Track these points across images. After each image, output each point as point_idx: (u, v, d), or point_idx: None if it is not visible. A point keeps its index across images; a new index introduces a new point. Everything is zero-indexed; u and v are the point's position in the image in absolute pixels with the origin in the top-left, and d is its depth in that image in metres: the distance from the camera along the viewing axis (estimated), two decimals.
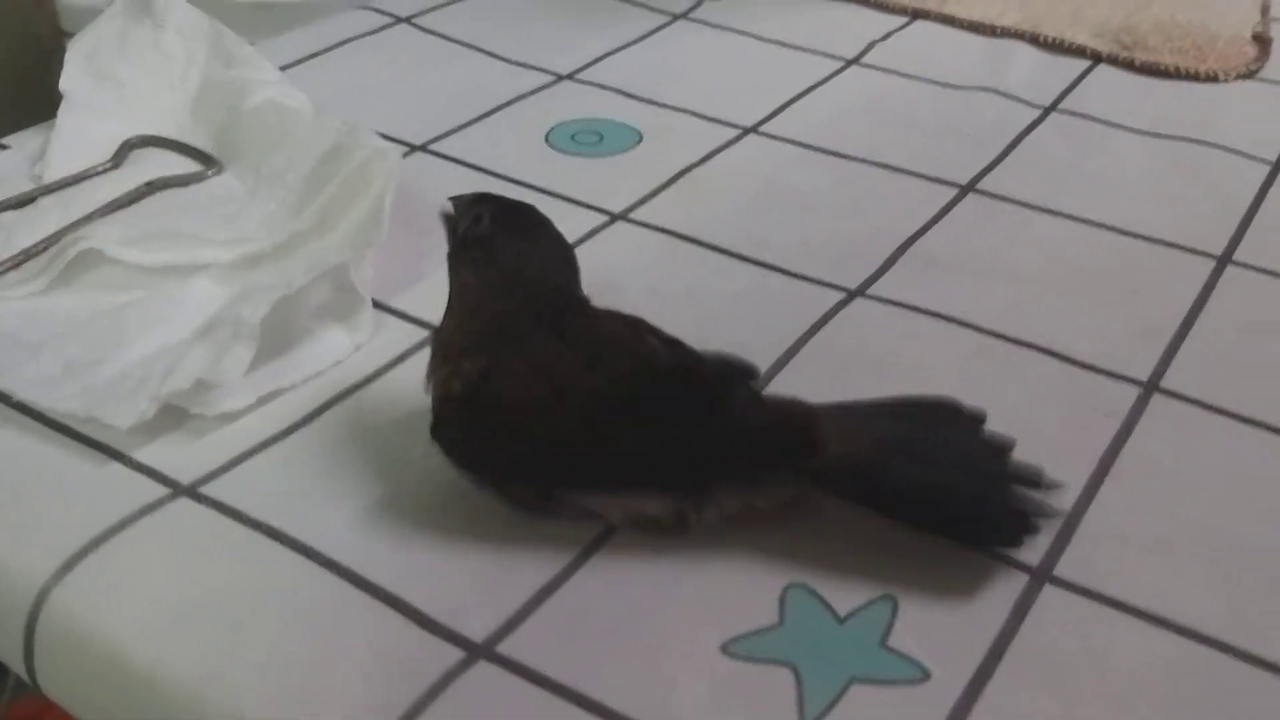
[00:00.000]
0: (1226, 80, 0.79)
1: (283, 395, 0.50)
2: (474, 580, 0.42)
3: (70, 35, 1.47)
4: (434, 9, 0.85)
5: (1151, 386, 0.52)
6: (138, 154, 0.65)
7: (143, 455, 0.47)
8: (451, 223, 0.47)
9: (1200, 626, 0.42)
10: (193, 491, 0.45)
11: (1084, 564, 0.44)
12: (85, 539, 0.43)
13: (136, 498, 0.45)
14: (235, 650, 0.40)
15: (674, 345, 0.45)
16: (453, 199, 0.48)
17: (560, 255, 0.47)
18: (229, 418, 0.49)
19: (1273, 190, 0.68)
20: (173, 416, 0.48)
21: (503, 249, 0.46)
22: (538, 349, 0.44)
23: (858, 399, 0.46)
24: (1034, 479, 0.44)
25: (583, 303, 0.46)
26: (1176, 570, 0.44)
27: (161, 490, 0.45)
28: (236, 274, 0.55)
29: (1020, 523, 0.43)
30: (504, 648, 0.40)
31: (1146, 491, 0.47)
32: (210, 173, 0.64)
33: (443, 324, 0.47)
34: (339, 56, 0.79)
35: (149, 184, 0.63)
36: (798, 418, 0.44)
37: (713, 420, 0.43)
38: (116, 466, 0.47)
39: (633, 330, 0.45)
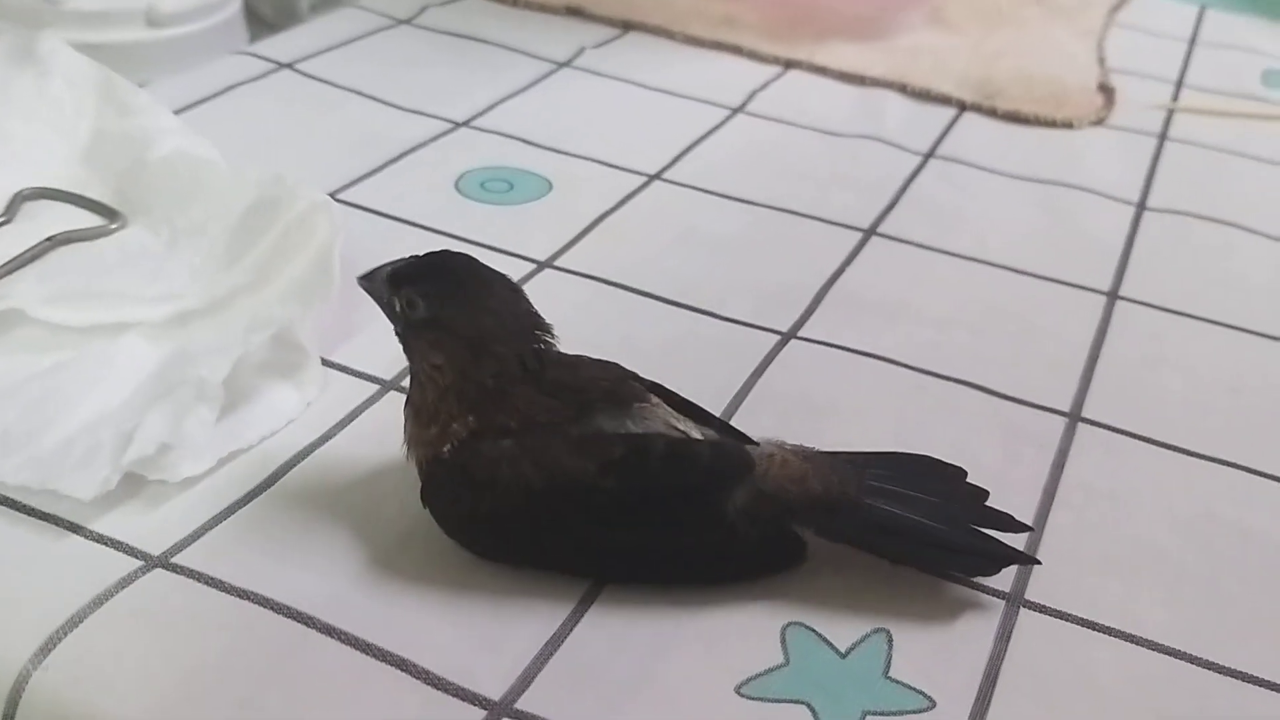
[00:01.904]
0: (1079, 127, 0.85)
1: (237, 458, 0.49)
2: (477, 637, 0.42)
3: None
4: (314, 55, 0.84)
5: (1075, 417, 0.56)
6: (31, 207, 0.62)
7: (102, 527, 0.45)
8: (382, 303, 0.46)
9: (1162, 639, 0.45)
10: (166, 562, 0.44)
11: (1050, 587, 0.46)
12: (62, 618, 0.41)
13: (107, 572, 0.43)
14: None
15: (659, 390, 0.46)
16: (363, 281, 0.46)
17: (510, 300, 0.46)
18: (188, 483, 0.47)
19: (1140, 229, 0.73)
20: (127, 484, 0.46)
21: (457, 324, 0.44)
22: (523, 401, 0.44)
23: (844, 449, 0.47)
24: (1006, 524, 0.46)
25: (554, 349, 0.46)
26: (1130, 588, 0.47)
27: (133, 563, 0.43)
28: (169, 332, 0.53)
29: (997, 556, 0.45)
30: (523, 704, 0.40)
31: (1089, 516, 0.50)
32: (114, 226, 0.61)
33: (415, 395, 0.46)
34: (222, 104, 0.77)
35: (50, 239, 0.59)
36: (789, 536, 0.45)
37: (703, 528, 0.44)
38: (77, 540, 0.44)
39: (617, 380, 0.46)
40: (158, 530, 0.45)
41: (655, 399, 0.46)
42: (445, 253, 0.47)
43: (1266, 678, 0.44)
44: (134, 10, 1.29)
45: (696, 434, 0.45)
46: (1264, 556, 0.49)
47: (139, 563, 0.43)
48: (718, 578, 0.45)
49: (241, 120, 0.75)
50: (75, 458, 0.46)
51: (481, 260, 0.47)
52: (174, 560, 0.44)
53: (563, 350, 0.47)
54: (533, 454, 0.43)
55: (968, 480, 0.47)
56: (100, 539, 0.44)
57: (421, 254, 0.47)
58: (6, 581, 0.42)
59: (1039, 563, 0.47)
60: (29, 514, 0.45)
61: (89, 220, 0.62)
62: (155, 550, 0.44)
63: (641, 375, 0.47)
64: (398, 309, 0.45)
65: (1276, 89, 0.96)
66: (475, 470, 0.44)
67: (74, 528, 0.45)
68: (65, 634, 0.40)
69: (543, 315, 0.46)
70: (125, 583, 0.42)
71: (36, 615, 0.41)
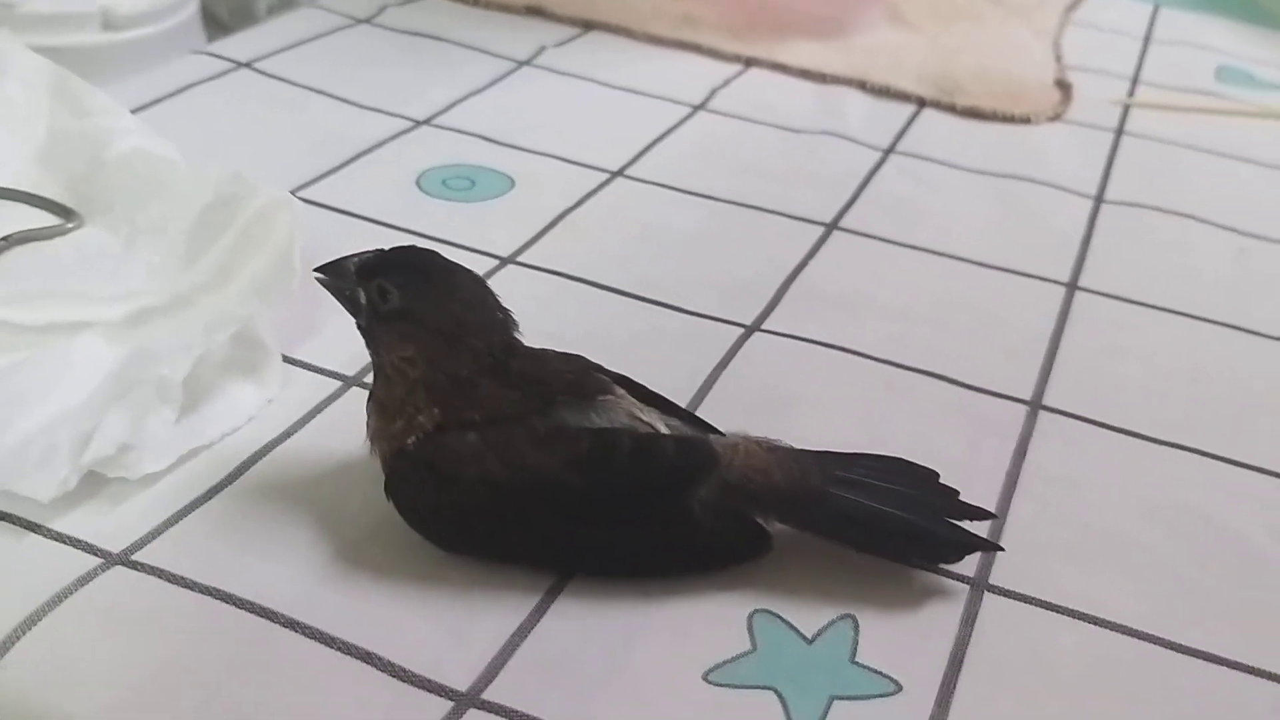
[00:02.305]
0: (1037, 122, 0.86)
1: (198, 455, 0.48)
2: (443, 629, 0.42)
3: None
4: (273, 54, 0.83)
5: (1036, 405, 0.56)
6: None
7: (62, 525, 0.44)
8: (343, 296, 0.45)
9: (1122, 620, 0.45)
10: (126, 560, 0.43)
11: (1013, 573, 0.47)
12: (19, 617, 0.40)
13: (66, 570, 0.42)
14: None
15: (624, 382, 0.46)
16: (321, 272, 0.46)
17: (479, 293, 0.46)
18: (148, 481, 0.46)
19: (1099, 222, 0.74)
20: (87, 482, 0.45)
21: (428, 315, 0.44)
22: (488, 395, 0.44)
23: (810, 440, 0.47)
24: (972, 513, 0.46)
25: (518, 341, 0.46)
26: (1091, 571, 0.47)
27: (91, 560, 0.43)
28: (127, 331, 0.53)
29: (960, 543, 0.45)
30: (490, 694, 0.40)
31: (1051, 502, 0.51)
32: (70, 225, 0.61)
33: (380, 389, 0.45)
34: (179, 103, 0.76)
35: (5, 238, 0.59)
36: (753, 528, 0.45)
37: (668, 522, 0.44)
38: (35, 539, 0.44)
39: (581, 372, 0.46)
40: (118, 528, 0.44)
41: (620, 390, 0.46)
42: (411, 247, 0.47)
43: (1227, 656, 0.44)
44: (90, 13, 1.27)
45: (661, 425, 0.45)
46: (1223, 540, 0.50)
47: (98, 560, 0.43)
48: (683, 570, 0.45)
49: (199, 119, 0.75)
50: (33, 458, 0.45)
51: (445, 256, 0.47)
52: (134, 557, 0.43)
53: (527, 344, 0.46)
54: (497, 449, 0.43)
55: (939, 482, 0.47)
56: (59, 537, 0.44)
57: (387, 248, 0.46)
58: None
59: (1001, 549, 0.47)
60: None
61: (45, 220, 0.61)
62: (115, 548, 0.43)
63: (607, 367, 0.47)
64: (363, 300, 0.45)
65: (1230, 84, 0.97)
66: (440, 464, 0.43)
67: (32, 527, 0.44)
68: (23, 632, 0.40)
69: (508, 309, 0.46)
70: (84, 580, 0.42)
71: None
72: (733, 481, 0.44)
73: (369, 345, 0.46)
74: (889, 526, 0.45)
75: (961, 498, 0.47)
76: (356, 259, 0.45)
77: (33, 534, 0.44)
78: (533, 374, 0.45)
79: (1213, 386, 0.60)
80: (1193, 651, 0.44)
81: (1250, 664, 0.44)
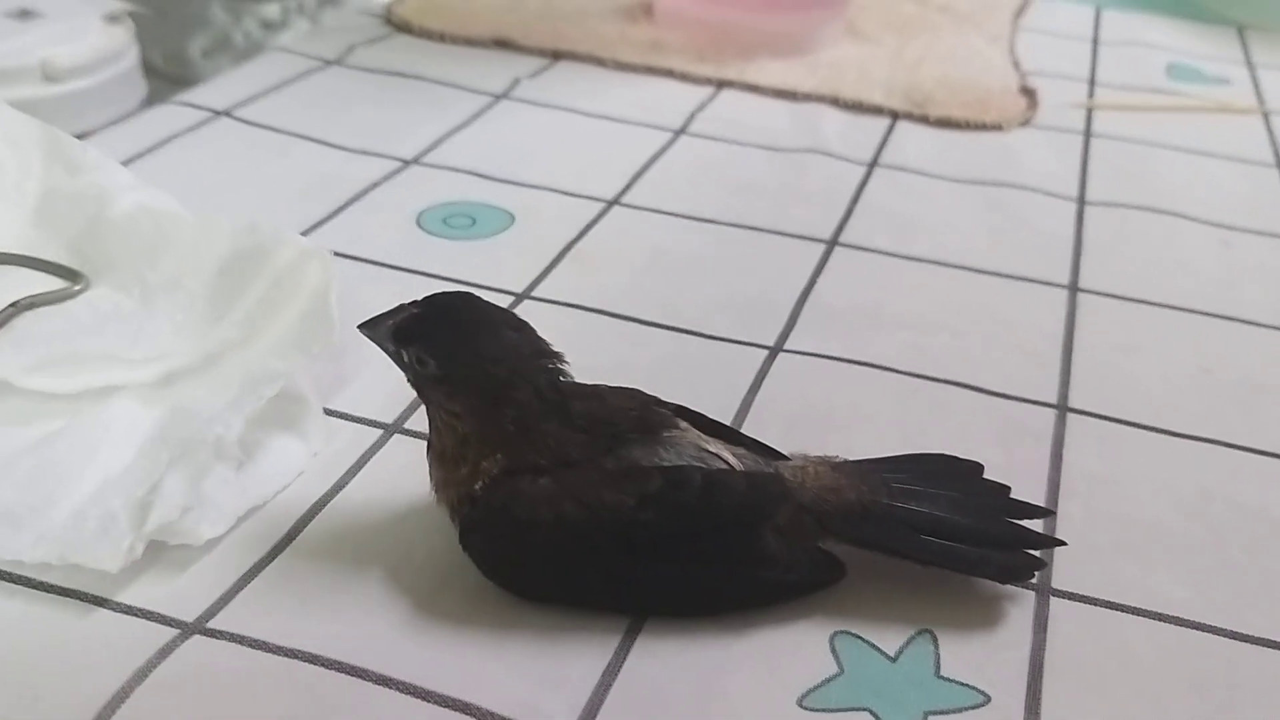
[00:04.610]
0: (1009, 129, 0.88)
1: (251, 516, 0.48)
2: (533, 675, 0.42)
3: None
4: (250, 101, 0.83)
5: (1063, 408, 0.58)
6: None
7: (128, 598, 0.43)
8: (388, 353, 0.45)
9: (1185, 614, 0.46)
10: (202, 628, 0.42)
11: (1074, 575, 0.48)
12: (108, 694, 0.39)
13: (144, 644, 0.41)
14: None
15: (684, 413, 0.47)
16: (367, 330, 0.45)
17: (517, 339, 0.45)
18: (208, 546, 0.46)
19: (1086, 223, 0.76)
20: (145, 551, 0.44)
21: (470, 376, 0.44)
22: (553, 439, 0.44)
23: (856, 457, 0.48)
24: (1030, 513, 0.47)
25: (568, 381, 0.46)
26: (1147, 567, 0.49)
27: (168, 631, 0.42)
28: (160, 392, 0.52)
29: (1030, 561, 0.46)
30: None
31: (1096, 502, 0.52)
32: (77, 288, 0.59)
33: (436, 441, 0.45)
34: (165, 155, 0.75)
35: (13, 305, 0.57)
36: (825, 557, 0.45)
37: (743, 558, 0.44)
38: (105, 613, 0.43)
39: (643, 408, 0.46)
40: (185, 596, 0.44)
41: (684, 424, 0.46)
42: (445, 299, 0.45)
43: None
44: (29, 66, 1.25)
45: (729, 455, 0.45)
46: (1261, 526, 0.51)
47: (175, 631, 0.42)
48: (760, 605, 0.45)
49: (187, 171, 0.74)
50: (91, 529, 0.44)
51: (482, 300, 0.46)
52: (210, 625, 0.42)
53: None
54: (572, 491, 0.43)
55: (984, 476, 0.48)
56: (129, 610, 0.43)
57: (420, 301, 0.45)
58: (44, 663, 0.41)
59: (1064, 543, 0.48)
60: (47, 591, 0.43)
61: (50, 284, 0.60)
62: (188, 617, 0.43)
63: (663, 399, 0.48)
64: (406, 360, 0.45)
65: (1182, 81, 1.00)
66: (516, 510, 0.43)
67: (99, 601, 0.43)
68: (114, 710, 0.39)
69: (551, 345, 0.46)
70: (165, 652, 0.41)
71: (82, 694, 0.39)
72: (806, 503, 0.44)
73: (420, 397, 0.46)
74: (958, 535, 0.45)
75: (1018, 499, 0.48)
76: (392, 322, 0.45)
77: (101, 609, 0.43)
78: (596, 414, 0.45)
79: (1222, 377, 0.62)
80: (1254, 639, 0.46)
81: None
